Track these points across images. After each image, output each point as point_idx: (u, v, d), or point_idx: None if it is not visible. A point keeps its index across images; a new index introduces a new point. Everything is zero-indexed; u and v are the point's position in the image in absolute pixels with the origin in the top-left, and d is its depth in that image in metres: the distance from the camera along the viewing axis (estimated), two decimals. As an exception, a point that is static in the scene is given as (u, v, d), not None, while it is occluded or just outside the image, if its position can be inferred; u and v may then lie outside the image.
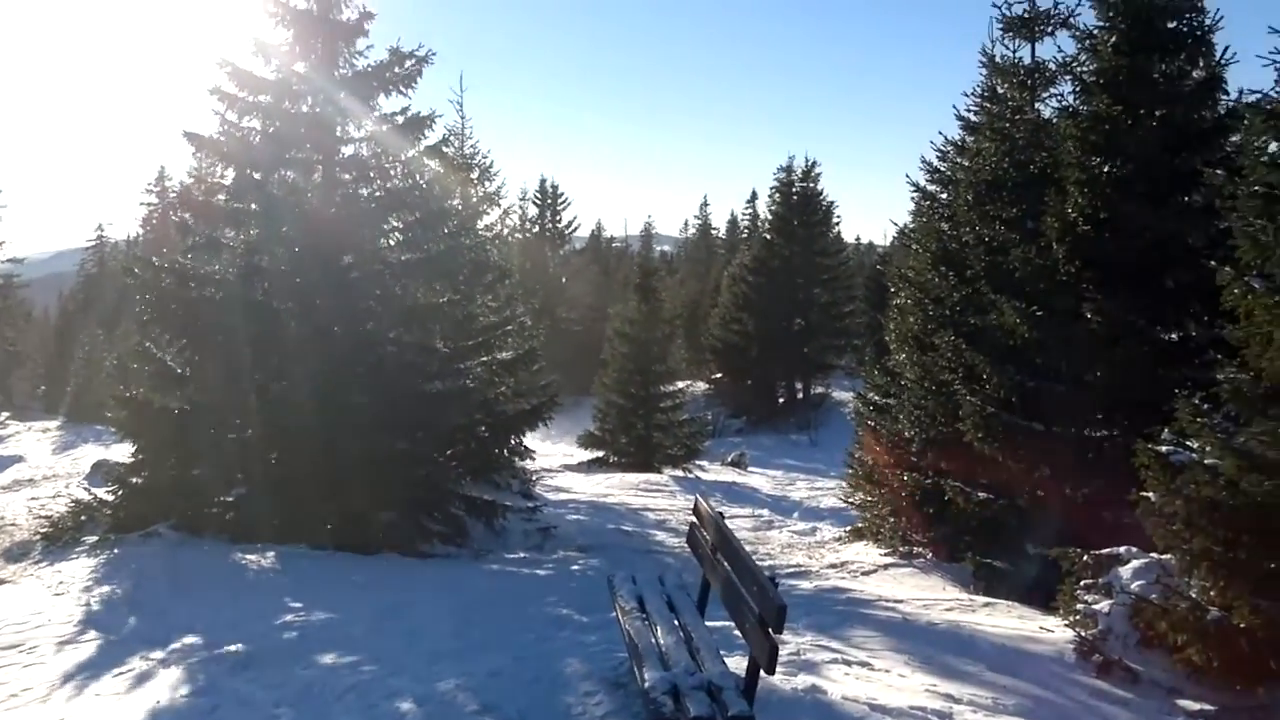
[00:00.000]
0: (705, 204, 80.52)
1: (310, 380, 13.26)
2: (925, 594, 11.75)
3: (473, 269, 15.27)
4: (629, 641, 6.88)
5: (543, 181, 53.46)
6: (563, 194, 53.42)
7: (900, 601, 11.00)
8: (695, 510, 8.29)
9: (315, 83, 13.90)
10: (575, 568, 13.29)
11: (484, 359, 15.30)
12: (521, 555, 14.15)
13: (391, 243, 14.62)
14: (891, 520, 14.87)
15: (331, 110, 13.97)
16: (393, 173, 14.29)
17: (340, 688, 7.57)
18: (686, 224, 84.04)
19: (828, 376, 44.37)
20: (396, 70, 14.12)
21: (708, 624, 7.25)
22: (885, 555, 14.53)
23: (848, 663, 8.12)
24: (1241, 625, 7.47)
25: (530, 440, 17.01)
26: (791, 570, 13.60)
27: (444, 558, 13.59)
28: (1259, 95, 8.45)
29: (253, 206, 13.95)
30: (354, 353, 13.63)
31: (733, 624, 6.90)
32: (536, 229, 52.90)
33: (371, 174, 14.29)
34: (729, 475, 28.15)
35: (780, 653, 7.72)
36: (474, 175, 18.63)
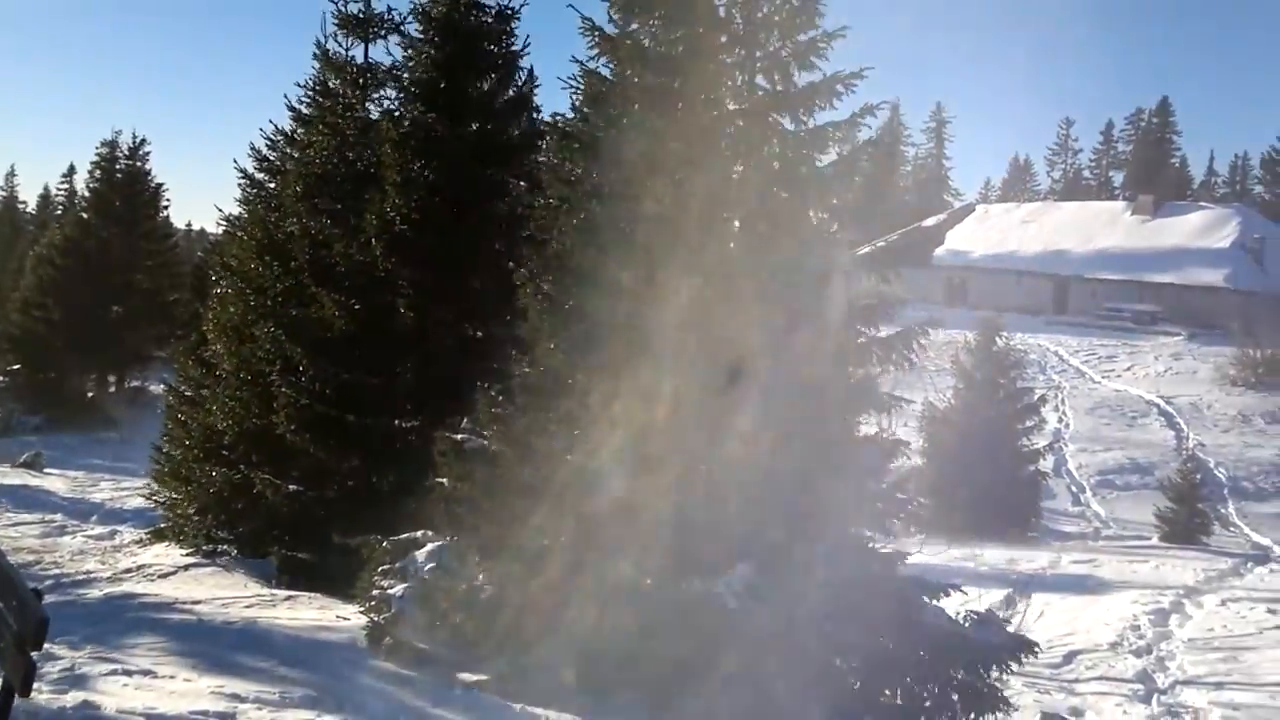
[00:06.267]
0: (13, 174, 70.67)
1: None
2: (226, 593, 11.32)
3: None
4: None
5: None
6: None
7: (199, 603, 10.47)
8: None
9: None
10: None
11: None
12: None
13: None
14: (198, 518, 14.11)
15: None
16: None
17: None
18: (-12, 197, 73.08)
19: (147, 369, 41.31)
20: None
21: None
22: (188, 555, 13.75)
23: (129, 672, 7.55)
24: (507, 599, 8.14)
25: None
26: (80, 578, 12.32)
27: None
28: (558, 116, 9.39)
29: None
30: None
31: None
32: None
33: None
34: (20, 478, 24.89)
35: (51, 670, 6.99)
36: None
